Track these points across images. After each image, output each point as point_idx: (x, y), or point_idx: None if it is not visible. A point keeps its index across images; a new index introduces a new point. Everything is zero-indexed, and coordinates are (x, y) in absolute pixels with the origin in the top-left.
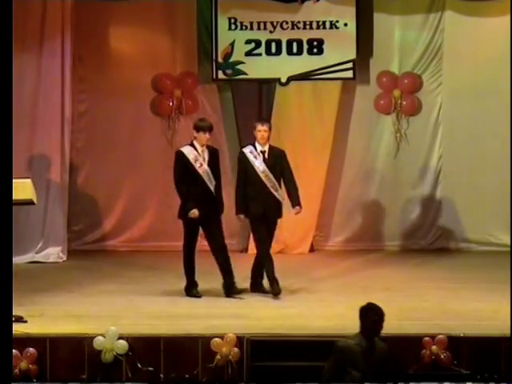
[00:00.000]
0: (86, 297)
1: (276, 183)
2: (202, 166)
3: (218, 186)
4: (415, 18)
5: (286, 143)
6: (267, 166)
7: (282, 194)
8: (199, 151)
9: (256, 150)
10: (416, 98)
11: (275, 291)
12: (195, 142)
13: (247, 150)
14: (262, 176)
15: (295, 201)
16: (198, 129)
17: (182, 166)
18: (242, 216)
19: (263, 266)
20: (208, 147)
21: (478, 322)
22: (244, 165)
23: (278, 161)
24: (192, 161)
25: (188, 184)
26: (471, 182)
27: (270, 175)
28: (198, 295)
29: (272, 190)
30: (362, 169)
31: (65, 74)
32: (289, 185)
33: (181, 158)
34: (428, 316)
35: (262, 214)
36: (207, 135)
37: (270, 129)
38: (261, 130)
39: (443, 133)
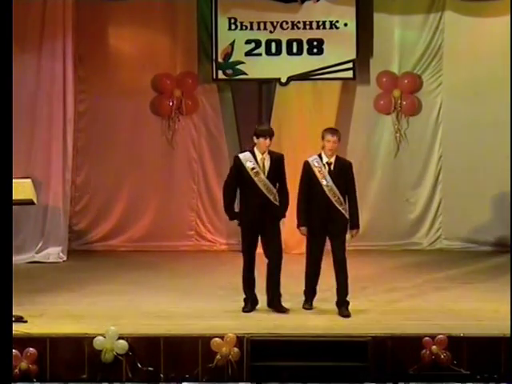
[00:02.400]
0: (86, 297)
1: (341, 197)
2: (259, 176)
3: (282, 193)
4: (415, 18)
5: (286, 143)
6: (332, 179)
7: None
8: (258, 159)
9: (322, 160)
10: (416, 98)
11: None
12: (255, 149)
13: (312, 160)
14: (326, 190)
15: (353, 221)
16: (257, 135)
17: (236, 172)
18: (303, 228)
19: (311, 280)
20: (271, 153)
21: (478, 321)
22: (307, 175)
23: (343, 174)
24: (248, 169)
25: (243, 191)
26: (471, 182)
27: (335, 189)
28: (246, 310)
29: (336, 205)
30: (362, 169)
31: (66, 74)
32: (350, 203)
33: (236, 163)
34: (428, 316)
35: (323, 228)
36: (268, 141)
37: (339, 140)
38: (330, 140)
39: (443, 133)
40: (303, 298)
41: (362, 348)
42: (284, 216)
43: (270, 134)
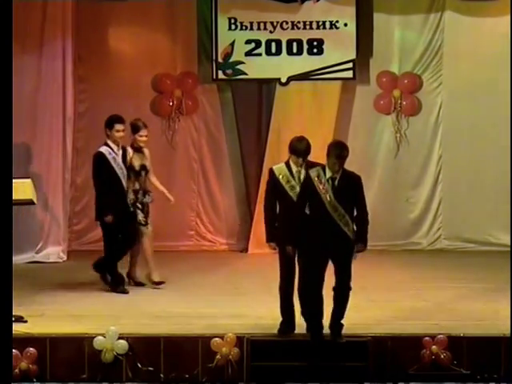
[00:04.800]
0: (86, 297)
1: (346, 215)
2: (295, 190)
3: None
4: (415, 18)
5: (285, 143)
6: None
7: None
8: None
9: (325, 174)
10: (416, 98)
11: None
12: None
13: (314, 174)
14: (329, 207)
15: (359, 236)
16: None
17: (272, 187)
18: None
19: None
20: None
21: (478, 322)
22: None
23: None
24: (283, 183)
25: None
26: (471, 182)
27: (339, 207)
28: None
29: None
30: (362, 169)
31: (66, 74)
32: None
33: (271, 177)
34: (428, 316)
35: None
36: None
37: (347, 155)
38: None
39: (443, 133)
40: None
41: (362, 348)
42: None
43: (305, 152)
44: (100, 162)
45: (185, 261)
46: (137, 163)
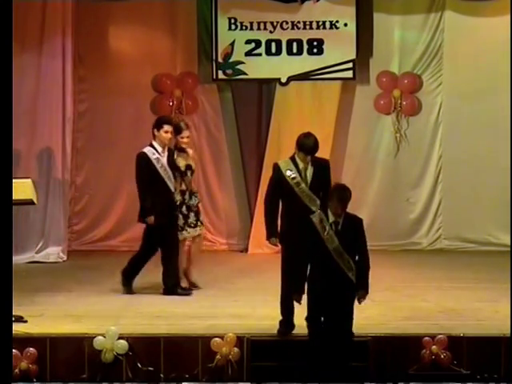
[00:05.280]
0: (86, 297)
1: (351, 260)
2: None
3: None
4: (415, 18)
5: (286, 143)
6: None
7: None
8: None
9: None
10: (416, 98)
11: None
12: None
13: (315, 217)
14: (334, 254)
15: (360, 281)
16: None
17: (276, 182)
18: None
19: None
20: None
21: (478, 321)
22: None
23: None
24: (288, 178)
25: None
26: (471, 182)
27: (344, 253)
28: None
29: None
30: (362, 169)
31: (66, 73)
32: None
33: (275, 172)
34: (428, 316)
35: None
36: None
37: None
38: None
39: (443, 133)
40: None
41: (362, 348)
42: None
43: (312, 149)
44: (142, 162)
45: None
46: (182, 163)
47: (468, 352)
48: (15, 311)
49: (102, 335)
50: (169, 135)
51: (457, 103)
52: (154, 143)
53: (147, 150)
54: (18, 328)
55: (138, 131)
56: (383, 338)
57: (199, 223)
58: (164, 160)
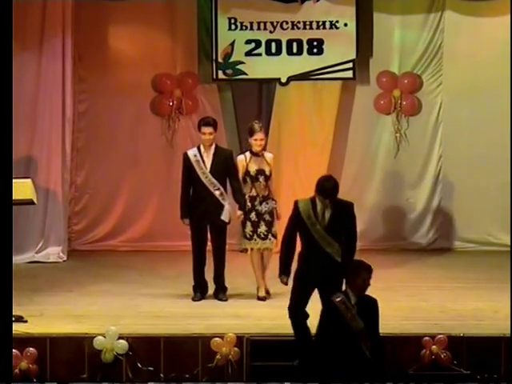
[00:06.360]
0: (86, 297)
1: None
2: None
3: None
4: (415, 18)
5: (285, 143)
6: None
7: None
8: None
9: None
10: (416, 98)
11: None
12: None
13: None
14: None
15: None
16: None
17: (295, 219)
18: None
19: None
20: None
21: (478, 321)
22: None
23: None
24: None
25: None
26: (471, 182)
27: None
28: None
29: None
30: (362, 169)
31: (65, 73)
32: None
33: (295, 209)
34: (428, 316)
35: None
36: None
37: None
38: None
39: (443, 133)
40: None
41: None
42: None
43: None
44: (183, 162)
45: (185, 261)
46: (253, 168)
47: (468, 352)
48: (15, 311)
49: (102, 335)
50: (207, 136)
51: (457, 103)
52: (201, 144)
53: (191, 150)
54: (17, 328)
55: (138, 131)
56: (383, 338)
57: (270, 236)
58: (207, 161)
